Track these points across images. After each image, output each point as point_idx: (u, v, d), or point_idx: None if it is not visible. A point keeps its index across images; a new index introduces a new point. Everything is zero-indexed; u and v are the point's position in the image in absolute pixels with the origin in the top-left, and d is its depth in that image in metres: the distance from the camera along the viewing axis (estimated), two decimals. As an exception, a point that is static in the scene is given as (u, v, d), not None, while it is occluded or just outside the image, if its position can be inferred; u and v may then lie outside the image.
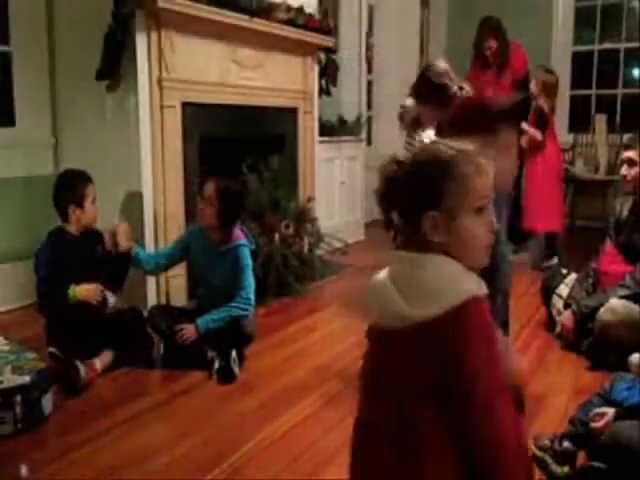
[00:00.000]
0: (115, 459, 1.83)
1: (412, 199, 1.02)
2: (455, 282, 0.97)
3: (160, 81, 2.94)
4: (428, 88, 2.42)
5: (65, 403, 2.16)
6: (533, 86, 4.12)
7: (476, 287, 0.98)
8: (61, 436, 1.96)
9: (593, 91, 6.09)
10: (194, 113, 3.14)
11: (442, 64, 2.46)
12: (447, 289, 0.97)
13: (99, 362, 2.36)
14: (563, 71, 5.87)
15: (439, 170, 1.00)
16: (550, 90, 4.13)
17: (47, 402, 2.04)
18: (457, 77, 2.44)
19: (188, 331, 2.46)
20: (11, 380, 1.95)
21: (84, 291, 2.39)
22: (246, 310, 2.54)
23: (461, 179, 0.99)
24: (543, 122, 4.10)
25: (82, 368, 2.25)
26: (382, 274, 1.07)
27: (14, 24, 3.15)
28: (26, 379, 1.97)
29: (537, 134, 4.06)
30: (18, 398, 1.93)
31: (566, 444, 1.75)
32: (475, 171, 1.00)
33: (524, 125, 3.97)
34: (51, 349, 2.37)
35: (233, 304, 2.51)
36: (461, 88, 2.38)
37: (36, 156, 3.24)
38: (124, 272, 2.59)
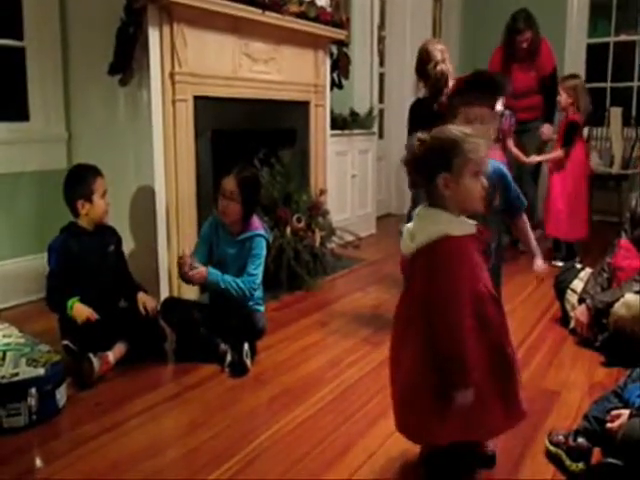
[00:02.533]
0: (128, 451, 1.84)
1: (431, 165, 1.50)
2: (437, 225, 1.49)
3: (172, 75, 2.94)
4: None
5: (79, 395, 2.17)
6: (564, 100, 4.06)
7: (455, 230, 1.48)
8: (75, 428, 1.97)
9: (608, 84, 6.01)
10: (206, 107, 3.14)
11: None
12: (431, 230, 1.49)
13: (112, 355, 2.37)
14: (577, 64, 5.82)
15: (450, 145, 1.48)
16: (582, 93, 4.05)
17: (61, 394, 2.06)
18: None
19: (199, 272, 2.46)
20: (26, 372, 1.97)
21: (76, 310, 2.34)
22: (247, 293, 2.51)
23: (464, 152, 1.47)
24: (570, 136, 4.00)
25: (96, 361, 2.26)
26: (409, 224, 1.60)
27: (28, 19, 3.16)
28: (40, 371, 1.99)
29: (539, 158, 3.97)
30: (33, 390, 1.94)
31: (580, 440, 1.73)
32: (473, 148, 1.48)
33: (510, 144, 3.81)
34: (65, 342, 2.39)
35: (239, 281, 2.50)
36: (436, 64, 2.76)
37: (50, 151, 3.25)
38: (157, 337, 2.54)
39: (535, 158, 4.23)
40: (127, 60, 2.85)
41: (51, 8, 3.19)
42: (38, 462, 1.81)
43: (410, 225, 1.57)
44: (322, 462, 1.79)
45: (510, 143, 3.83)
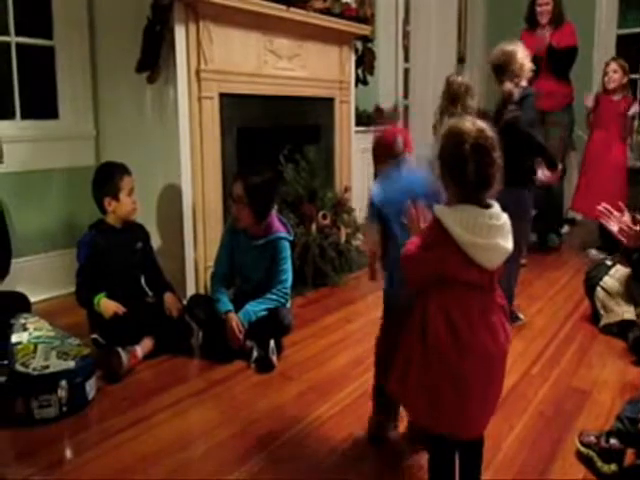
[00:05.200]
0: (155, 445, 1.86)
1: None
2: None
3: (198, 72, 2.95)
4: None
5: (107, 388, 2.21)
6: (618, 78, 3.99)
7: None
8: (103, 421, 2.00)
9: (638, 75, 5.86)
10: (231, 104, 3.15)
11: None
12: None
13: (140, 349, 2.41)
14: (607, 55, 5.68)
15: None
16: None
17: (90, 387, 2.09)
18: None
19: (241, 330, 2.43)
20: (57, 365, 2.01)
21: (103, 306, 2.39)
22: (283, 303, 2.55)
23: None
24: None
25: (124, 355, 2.29)
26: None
27: (57, 19, 3.22)
28: (71, 364, 2.03)
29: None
30: (63, 383, 1.98)
31: (613, 441, 1.70)
32: None
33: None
34: (93, 335, 2.43)
35: (272, 296, 2.51)
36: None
37: (78, 148, 3.30)
38: (183, 333, 2.57)
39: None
40: (154, 58, 2.87)
41: (79, 8, 3.24)
42: (68, 453, 1.84)
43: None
44: (349, 460, 1.79)
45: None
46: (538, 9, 4.44)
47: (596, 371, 2.39)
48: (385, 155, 1.89)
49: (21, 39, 3.13)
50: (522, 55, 2.74)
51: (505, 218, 1.38)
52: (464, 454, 1.49)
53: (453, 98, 3.29)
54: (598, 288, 2.87)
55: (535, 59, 3.56)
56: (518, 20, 4.76)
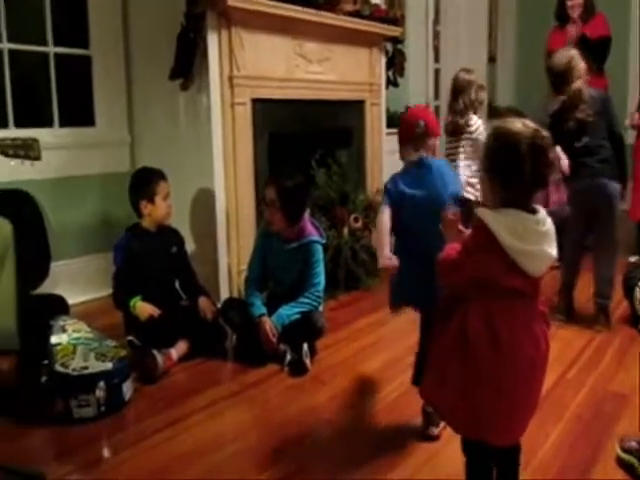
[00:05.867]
0: (190, 446, 1.88)
1: None
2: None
3: (231, 78, 2.99)
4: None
5: (143, 390, 2.24)
6: (629, 122, 3.91)
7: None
8: (140, 421, 2.04)
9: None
10: (263, 109, 3.17)
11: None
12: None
13: (175, 352, 2.44)
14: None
15: None
16: None
17: (127, 388, 2.13)
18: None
19: (274, 334, 2.44)
20: (95, 366, 2.05)
21: (139, 308, 2.45)
22: (316, 306, 2.55)
23: None
24: None
25: (159, 357, 2.33)
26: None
27: (93, 30, 3.31)
28: (108, 365, 2.07)
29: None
30: (101, 383, 2.02)
31: (656, 447, 1.65)
32: None
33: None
34: (129, 337, 2.48)
35: (305, 300, 2.52)
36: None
37: (114, 154, 3.38)
38: (217, 336, 2.60)
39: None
40: (188, 65, 2.92)
41: (114, 18, 3.32)
42: (106, 452, 1.88)
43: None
44: (383, 464, 1.78)
45: None
46: (569, 3, 4.37)
47: (635, 374, 2.33)
48: (406, 137, 1.90)
49: (59, 49, 3.22)
50: (577, 55, 2.80)
51: (550, 224, 1.35)
52: (501, 461, 1.47)
53: (456, 93, 3.27)
54: (637, 289, 2.81)
55: None
56: (549, 18, 4.69)
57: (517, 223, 1.29)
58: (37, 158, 2.07)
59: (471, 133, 3.23)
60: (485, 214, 1.32)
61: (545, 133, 1.31)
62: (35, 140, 2.08)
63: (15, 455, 1.81)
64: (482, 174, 1.39)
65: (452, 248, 1.39)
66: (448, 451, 1.79)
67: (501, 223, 1.29)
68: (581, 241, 2.92)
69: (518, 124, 1.31)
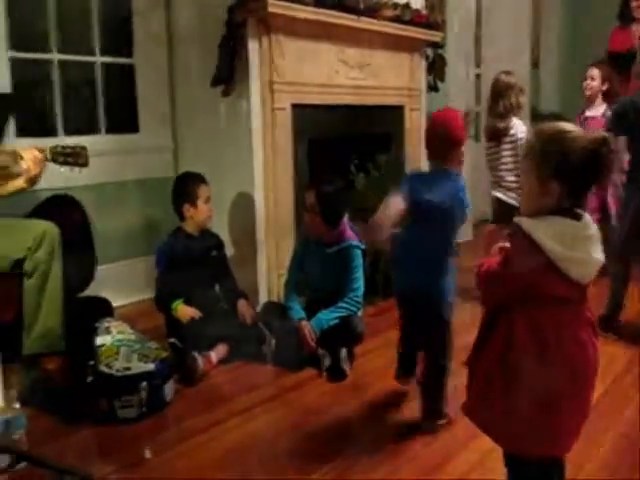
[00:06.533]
0: (228, 448, 1.90)
1: None
2: None
3: (271, 84, 3.02)
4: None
5: (183, 391, 2.27)
6: None
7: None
8: (180, 422, 2.06)
9: None
10: (303, 114, 3.19)
11: None
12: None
13: (215, 354, 2.47)
14: None
15: None
16: None
17: (169, 389, 2.17)
18: None
19: (311, 340, 2.45)
20: (137, 367, 2.09)
21: (180, 311, 2.50)
22: (355, 311, 2.54)
23: None
24: None
25: (200, 359, 2.36)
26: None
27: (137, 39, 3.39)
28: (151, 367, 2.11)
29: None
30: (143, 384, 2.06)
31: None
32: None
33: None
34: (171, 340, 2.51)
35: (344, 304, 2.51)
36: None
37: (157, 160, 3.45)
38: (256, 339, 2.60)
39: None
40: (229, 72, 2.96)
41: (158, 28, 3.40)
42: (148, 453, 1.90)
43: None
44: (422, 469, 1.75)
45: None
46: (634, 3, 4.22)
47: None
48: (433, 139, 1.92)
49: (105, 59, 3.32)
50: None
51: (595, 228, 1.31)
52: (546, 476, 1.42)
53: (496, 96, 3.19)
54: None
55: (630, 54, 3.39)
56: (593, 23, 4.59)
57: (566, 230, 1.26)
58: (85, 165, 2.15)
59: (512, 137, 3.16)
60: (527, 224, 1.28)
61: (603, 134, 1.27)
62: (83, 148, 2.15)
63: (61, 453, 1.85)
64: (531, 179, 1.34)
65: (492, 260, 1.35)
66: (488, 462, 1.75)
67: (546, 231, 1.25)
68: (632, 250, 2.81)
69: (569, 126, 1.28)
